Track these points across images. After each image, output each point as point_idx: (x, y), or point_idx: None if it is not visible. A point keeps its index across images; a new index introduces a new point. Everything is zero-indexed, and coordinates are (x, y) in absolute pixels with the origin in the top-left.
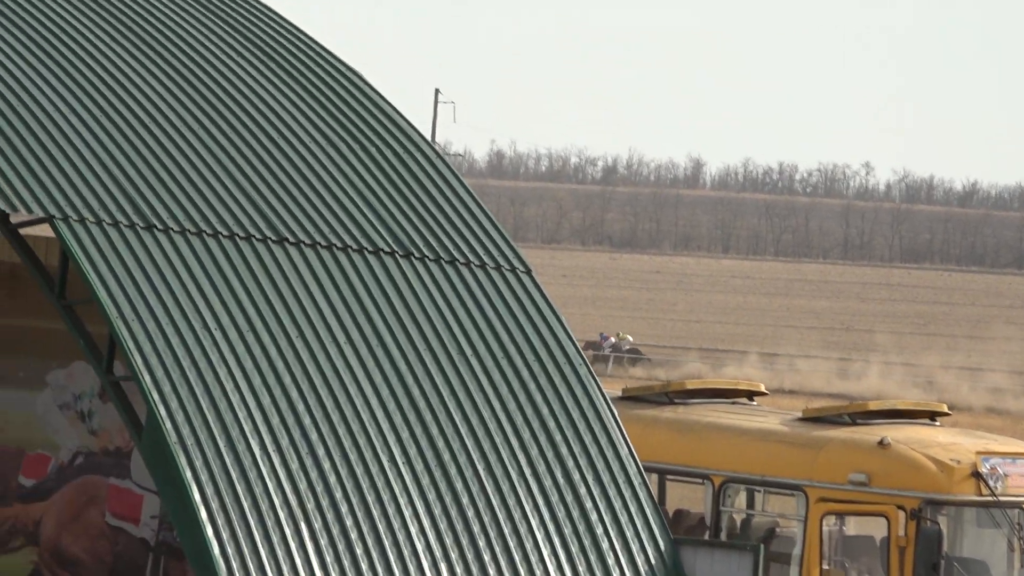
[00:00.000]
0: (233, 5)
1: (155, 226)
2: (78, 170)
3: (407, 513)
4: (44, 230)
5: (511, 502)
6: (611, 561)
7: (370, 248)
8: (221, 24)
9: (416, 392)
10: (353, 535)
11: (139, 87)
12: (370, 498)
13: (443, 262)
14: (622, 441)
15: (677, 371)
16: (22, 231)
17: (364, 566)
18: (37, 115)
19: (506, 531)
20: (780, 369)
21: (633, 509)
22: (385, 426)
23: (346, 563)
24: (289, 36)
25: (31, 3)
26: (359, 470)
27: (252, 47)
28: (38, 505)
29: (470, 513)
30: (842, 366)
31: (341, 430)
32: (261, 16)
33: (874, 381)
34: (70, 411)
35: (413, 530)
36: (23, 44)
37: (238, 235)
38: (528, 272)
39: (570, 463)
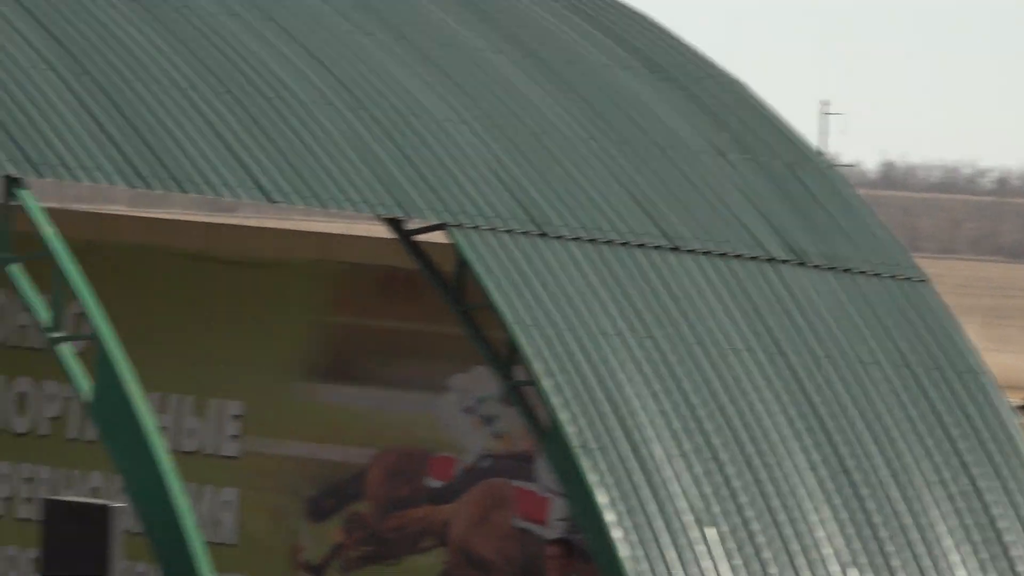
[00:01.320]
0: (618, 17)
1: (547, 233)
2: (470, 178)
3: (812, 518)
4: (439, 236)
5: (917, 508)
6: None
7: (765, 257)
8: (605, 35)
9: (817, 399)
10: (760, 539)
11: (530, 99)
12: (775, 504)
13: (839, 271)
14: None
15: None
16: (417, 238)
17: (774, 571)
18: (430, 126)
19: (912, 538)
20: None
21: None
22: (789, 432)
23: (755, 568)
24: (675, 49)
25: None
26: (763, 475)
27: (638, 58)
28: (446, 507)
29: (877, 520)
30: None
31: (745, 436)
32: (646, 27)
33: None
34: (473, 415)
35: (821, 539)
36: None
37: (631, 242)
38: (925, 281)
39: (975, 471)
